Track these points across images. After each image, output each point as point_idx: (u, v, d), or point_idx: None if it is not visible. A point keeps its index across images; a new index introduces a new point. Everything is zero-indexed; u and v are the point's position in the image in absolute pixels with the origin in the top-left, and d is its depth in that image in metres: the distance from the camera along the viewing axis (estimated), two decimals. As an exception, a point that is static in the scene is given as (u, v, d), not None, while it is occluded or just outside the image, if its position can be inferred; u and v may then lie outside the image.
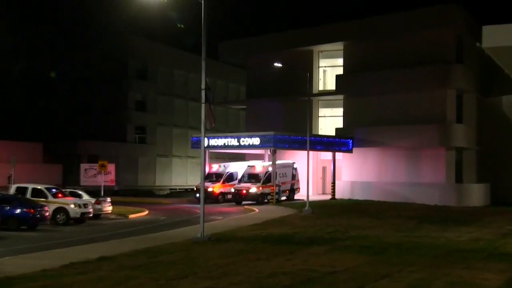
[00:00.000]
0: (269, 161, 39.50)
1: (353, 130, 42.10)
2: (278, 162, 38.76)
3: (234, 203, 37.51)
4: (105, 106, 57.44)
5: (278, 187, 38.13)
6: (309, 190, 31.41)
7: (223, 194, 39.03)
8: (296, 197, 40.16)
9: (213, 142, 39.53)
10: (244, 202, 37.08)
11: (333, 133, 43.57)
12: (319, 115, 46.28)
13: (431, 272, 12.93)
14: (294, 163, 40.59)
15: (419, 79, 39.70)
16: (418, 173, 39.96)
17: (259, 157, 43.59)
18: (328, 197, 41.44)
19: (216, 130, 58.56)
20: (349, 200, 40.12)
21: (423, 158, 40.04)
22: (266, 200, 37.11)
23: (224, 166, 40.91)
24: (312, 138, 38.45)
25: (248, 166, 39.40)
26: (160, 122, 61.20)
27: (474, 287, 11.51)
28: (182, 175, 63.64)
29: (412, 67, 40.08)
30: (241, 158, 50.28)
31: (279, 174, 38.48)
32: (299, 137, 38.56)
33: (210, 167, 41.19)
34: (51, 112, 60.21)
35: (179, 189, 61.18)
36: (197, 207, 31.71)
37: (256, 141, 37.49)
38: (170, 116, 62.68)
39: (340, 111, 44.57)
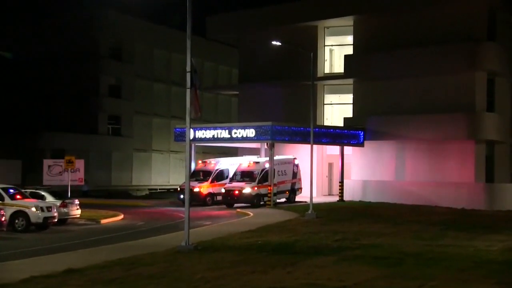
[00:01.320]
0: (266, 156, 39.49)
1: (365, 120, 42.13)
2: (276, 157, 38.78)
3: (224, 206, 37.64)
4: (73, 91, 57.20)
5: (277, 187, 38.17)
6: (312, 191, 31.41)
7: (211, 195, 39.13)
8: (297, 198, 40.27)
9: (200, 134, 39.49)
10: (236, 205, 37.18)
11: (341, 124, 43.60)
12: (325, 102, 46.29)
13: None
14: (295, 158, 40.64)
15: (443, 60, 39.64)
16: (442, 171, 40.00)
17: (254, 151, 43.57)
18: (336, 198, 41.55)
19: (204, 120, 58.54)
20: (360, 202, 40.21)
21: (448, 153, 40.05)
22: (262, 202, 37.19)
23: (213, 162, 40.88)
24: (317, 129, 38.41)
25: (241, 162, 39.39)
26: (138, 110, 61.08)
27: (507, 304, 11.49)
28: (164, 172, 63.63)
29: (435, 46, 40.00)
30: (233, 153, 50.22)
31: (278, 171, 38.53)
32: (301, 128, 38.57)
33: (197, 164, 41.17)
34: (7, 99, 59.91)
35: (160, 189, 61.19)
36: (181, 211, 31.68)
37: (250, 133, 37.47)
38: (150, 103, 62.57)
39: (349, 97, 44.57)
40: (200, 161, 41.58)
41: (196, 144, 41.50)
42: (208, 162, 41.09)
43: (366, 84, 43.14)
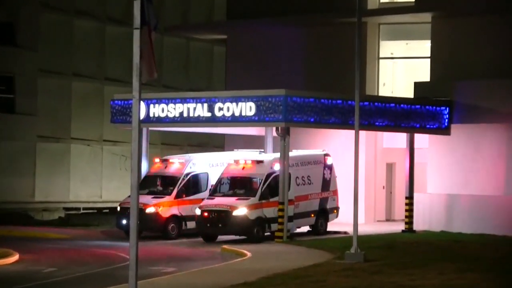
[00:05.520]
0: (274, 151, 39.43)
1: (451, 87, 42.17)
2: (294, 153, 38.95)
3: (200, 238, 37.83)
4: None
5: (294, 205, 38.23)
6: (357, 213, 31.26)
7: (177, 219, 39.19)
8: (330, 226, 40.42)
9: (158, 110, 39.43)
10: (221, 237, 37.29)
11: (410, 94, 43.61)
12: (381, 55, 46.29)
13: None
14: (326, 155, 40.66)
15: None
16: None
17: (254, 142, 43.49)
18: (400, 227, 41.63)
19: (164, 85, 58.31)
20: (443, 233, 40.31)
21: None
22: (268, 233, 37.30)
23: (180, 161, 40.82)
24: (366, 103, 38.39)
25: (231, 161, 39.40)
26: (45, 67, 60.88)
27: None
28: (92, 179, 63.49)
29: None
30: (217, 146, 50.10)
31: (297, 178, 38.70)
32: (338, 102, 38.55)
33: (153, 164, 41.23)
34: None
35: (84, 209, 60.96)
36: (124, 247, 31.55)
37: (248, 108, 37.41)
38: (67, 55, 62.35)
39: (424, 47, 44.64)
40: (158, 160, 41.60)
41: (151, 128, 41.39)
42: (171, 161, 41.04)
43: (454, 22, 43.05)
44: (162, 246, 35.87)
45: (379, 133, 43.67)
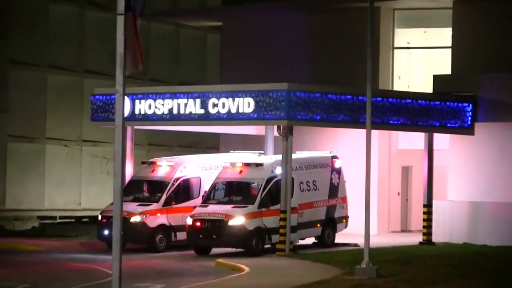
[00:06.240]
0: (275, 152, 39.37)
1: (474, 81, 42.18)
2: (298, 155, 39.07)
3: (192, 251, 37.96)
4: None
5: (298, 214, 38.18)
6: (369, 222, 31.15)
7: (166, 229, 39.25)
8: (338, 238, 40.54)
9: (145, 106, 39.47)
10: (215, 250, 37.40)
11: (429, 88, 43.61)
12: (395, 45, 46.29)
13: None
14: (334, 157, 40.65)
15: None
16: None
17: (253, 143, 43.46)
18: (417, 239, 41.62)
19: (152, 79, 58.27)
20: (466, 246, 40.32)
21: None
22: (268, 245, 37.36)
23: (169, 164, 40.76)
24: (378, 98, 38.39)
25: (227, 164, 39.35)
26: (18, 58, 60.90)
27: None
28: (70, 184, 63.45)
29: None
30: (211, 147, 50.00)
31: (301, 183, 38.73)
32: (348, 97, 38.63)
33: (141, 167, 41.01)
34: None
35: (61, 217, 60.92)
36: (106, 261, 31.48)
37: (246, 105, 37.41)
38: (42, 44, 62.34)
39: (444, 35, 44.68)
40: (144, 162, 41.51)
41: (136, 127, 41.40)
42: (159, 163, 41.00)
43: (478, 8, 43.06)
44: (149, 259, 35.91)
45: (394, 132, 43.70)
